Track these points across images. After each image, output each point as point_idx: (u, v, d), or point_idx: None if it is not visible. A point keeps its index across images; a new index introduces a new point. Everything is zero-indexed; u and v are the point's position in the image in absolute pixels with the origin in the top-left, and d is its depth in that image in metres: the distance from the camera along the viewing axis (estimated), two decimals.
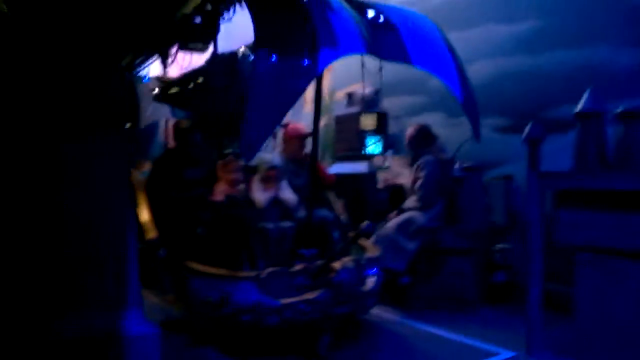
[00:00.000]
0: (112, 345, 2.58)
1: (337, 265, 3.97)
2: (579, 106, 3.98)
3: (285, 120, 6.38)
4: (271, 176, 5.01)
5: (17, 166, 2.27)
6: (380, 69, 4.42)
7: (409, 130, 5.58)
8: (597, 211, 3.77)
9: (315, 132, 4.45)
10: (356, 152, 6.72)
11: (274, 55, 3.31)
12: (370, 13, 3.88)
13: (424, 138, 5.49)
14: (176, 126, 5.55)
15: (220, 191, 5.05)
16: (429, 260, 5.24)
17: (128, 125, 2.83)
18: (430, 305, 5.18)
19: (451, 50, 4.12)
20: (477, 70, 5.26)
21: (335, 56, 3.38)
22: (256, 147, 3.31)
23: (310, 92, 7.62)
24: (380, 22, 3.85)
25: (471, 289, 5.17)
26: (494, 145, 5.65)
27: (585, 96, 3.98)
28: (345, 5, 3.74)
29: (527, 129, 4.06)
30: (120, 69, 2.82)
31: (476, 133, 4.17)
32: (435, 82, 6.62)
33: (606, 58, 5.06)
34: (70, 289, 2.34)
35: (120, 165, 2.39)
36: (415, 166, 5.41)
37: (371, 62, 5.52)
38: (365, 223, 3.94)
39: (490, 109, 5.52)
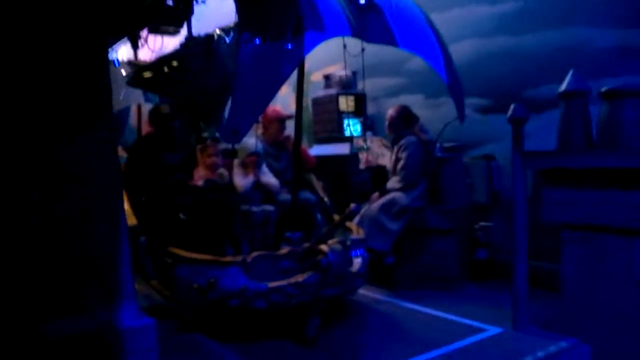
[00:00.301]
0: (109, 340, 2.52)
1: (324, 247, 3.93)
2: (563, 86, 4.01)
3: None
4: (252, 161, 4.96)
5: (6, 165, 2.18)
6: (362, 50, 4.37)
7: (390, 112, 5.56)
8: (582, 189, 3.82)
9: (298, 115, 4.41)
10: (335, 134, 6.69)
11: (257, 39, 3.25)
12: None
13: (405, 119, 5.48)
14: (155, 111, 5.42)
15: (200, 176, 4.98)
16: (412, 240, 5.26)
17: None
18: (415, 284, 5.22)
19: (435, 31, 4.10)
20: (458, 51, 5.22)
21: (321, 39, 3.33)
22: (242, 132, 3.26)
23: None
24: (365, 4, 3.80)
25: (454, 267, 5.22)
26: (474, 126, 5.67)
27: (568, 76, 4.01)
28: None
29: (510, 110, 4.08)
30: (101, 55, 2.71)
31: (461, 114, 4.18)
32: (413, 63, 6.66)
33: (586, 38, 5.10)
34: (64, 285, 2.27)
35: (108, 157, 2.31)
36: (397, 147, 5.39)
37: (350, 43, 5.51)
38: (352, 205, 3.91)
39: (471, 90, 5.53)
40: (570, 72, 4.01)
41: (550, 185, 4.04)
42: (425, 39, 3.99)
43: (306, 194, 5.12)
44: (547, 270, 4.52)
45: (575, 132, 3.96)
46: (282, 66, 3.26)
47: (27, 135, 2.17)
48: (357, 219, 5.21)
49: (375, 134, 6.75)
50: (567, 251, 3.96)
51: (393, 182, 5.35)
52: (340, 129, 6.72)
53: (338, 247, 3.98)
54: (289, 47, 3.24)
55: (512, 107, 4.06)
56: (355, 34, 3.54)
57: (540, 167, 4.13)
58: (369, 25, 3.70)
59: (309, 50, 3.23)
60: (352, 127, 6.67)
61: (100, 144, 2.29)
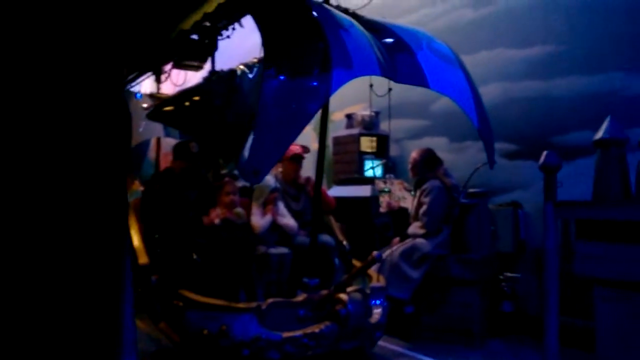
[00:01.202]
0: None
1: (343, 296, 3.73)
2: (599, 133, 3.83)
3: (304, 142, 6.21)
4: (271, 200, 4.80)
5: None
6: (389, 90, 4.24)
7: (414, 154, 5.40)
8: (618, 243, 3.60)
9: (320, 154, 4.25)
10: (356, 175, 6.54)
11: (282, 75, 3.12)
12: (384, 34, 3.71)
13: (429, 162, 5.31)
14: (184, 147, 5.26)
15: (217, 214, 4.82)
16: (433, 289, 5.03)
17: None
18: (435, 336, 4.96)
19: (466, 73, 3.95)
20: (485, 94, 5.06)
21: (350, 77, 3.18)
22: (263, 173, 3.09)
23: None
24: (393, 43, 3.67)
25: (478, 319, 4.95)
26: (500, 171, 5.47)
27: (605, 123, 3.83)
28: (358, 24, 3.57)
29: (542, 157, 3.88)
30: (118, 87, 2.56)
31: (491, 159, 3.99)
32: (437, 105, 6.52)
33: (620, 85, 4.93)
34: (55, 340, 2.04)
35: (118, 196, 2.13)
36: (419, 191, 5.22)
37: (376, 83, 5.39)
38: (375, 253, 3.73)
39: (498, 134, 5.35)
40: (608, 119, 3.83)
41: (584, 237, 3.82)
42: (456, 81, 3.85)
43: (325, 237, 4.93)
44: (580, 327, 4.25)
45: (612, 182, 3.76)
46: (307, 104, 3.12)
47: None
48: (376, 265, 5.00)
49: (397, 176, 6.58)
50: (601, 308, 3.72)
51: (415, 228, 5.15)
52: (361, 170, 6.57)
53: (358, 296, 3.79)
54: (315, 85, 3.10)
55: (544, 153, 3.86)
56: (384, 73, 3.39)
57: (573, 218, 3.91)
58: (399, 65, 3.57)
59: (336, 89, 3.08)
60: (373, 168, 6.52)
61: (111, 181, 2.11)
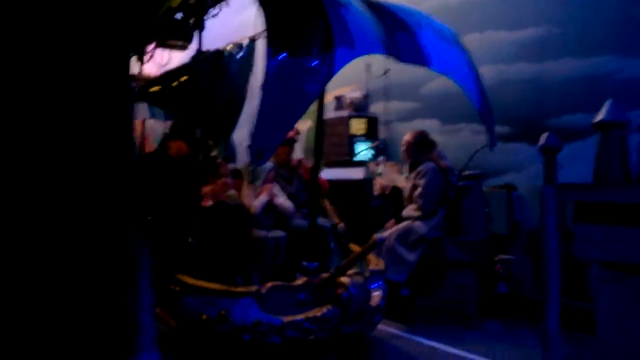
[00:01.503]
0: None
1: (345, 279, 3.68)
2: (600, 115, 3.81)
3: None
4: (270, 179, 4.72)
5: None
6: (386, 72, 4.17)
7: (407, 136, 5.35)
8: (619, 225, 3.61)
9: (318, 137, 4.18)
10: (346, 158, 6.47)
11: (285, 55, 3.03)
12: (382, 12, 3.62)
13: (423, 144, 5.27)
14: (186, 130, 5.10)
15: (209, 196, 4.74)
16: (429, 272, 5.01)
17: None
18: (432, 318, 4.96)
19: (466, 54, 3.90)
20: None
21: (353, 56, 3.11)
22: (267, 154, 3.01)
23: None
24: (395, 22, 3.59)
25: (473, 301, 4.96)
26: (494, 154, 5.47)
27: (606, 105, 3.80)
28: (360, 3, 3.49)
29: (542, 138, 3.85)
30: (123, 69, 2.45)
31: (492, 140, 3.96)
32: (428, 87, 6.48)
33: (615, 68, 4.93)
34: (74, 336, 1.95)
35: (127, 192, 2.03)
36: (414, 173, 5.18)
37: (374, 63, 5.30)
38: (376, 236, 3.68)
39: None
40: (609, 101, 3.81)
41: (584, 219, 3.82)
42: (457, 61, 3.79)
43: (321, 220, 4.88)
44: (580, 309, 4.28)
45: (612, 164, 3.74)
46: (311, 84, 3.03)
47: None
48: None
49: (387, 159, 6.53)
50: (601, 291, 3.72)
51: (410, 210, 5.12)
52: (352, 152, 6.50)
53: (359, 279, 3.74)
54: (318, 64, 3.02)
55: (544, 135, 3.82)
56: (389, 52, 3.31)
57: (573, 200, 3.90)
58: (400, 44, 3.48)
59: (339, 68, 3.00)
60: (364, 151, 6.46)
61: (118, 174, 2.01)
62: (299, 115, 3.09)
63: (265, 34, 3.29)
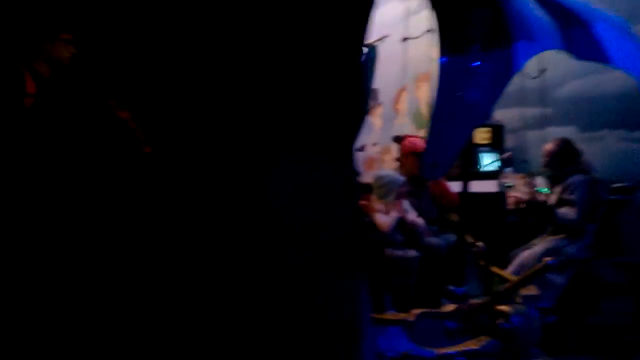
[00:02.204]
0: None
1: (505, 308, 3.26)
2: None
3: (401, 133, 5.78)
4: (403, 194, 4.38)
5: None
6: (542, 72, 3.74)
7: (549, 146, 4.88)
8: None
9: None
10: (469, 170, 6.00)
11: (459, 57, 2.67)
12: (552, 3, 3.20)
13: (569, 154, 4.78)
14: None
15: None
16: (579, 297, 4.49)
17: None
18: (582, 350, 4.42)
19: None
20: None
21: (534, 52, 2.72)
22: (444, 166, 2.65)
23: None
24: (567, 14, 3.17)
25: (634, 331, 4.39)
26: None
27: None
28: None
29: None
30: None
31: None
32: (561, 91, 5.93)
33: None
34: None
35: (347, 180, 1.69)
36: (561, 187, 4.69)
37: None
38: (547, 259, 3.24)
39: None
40: None
41: None
42: (636, 55, 3.31)
43: (453, 238, 4.50)
44: None
45: None
46: (488, 87, 2.65)
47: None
48: (512, 268, 4.51)
49: (515, 170, 6.02)
50: None
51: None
52: (475, 163, 6.04)
53: (523, 308, 3.31)
54: (496, 64, 2.64)
55: None
56: (567, 47, 2.90)
57: None
58: (576, 40, 3.06)
59: (521, 65, 2.62)
60: (489, 162, 5.99)
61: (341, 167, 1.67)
62: (479, 120, 2.77)
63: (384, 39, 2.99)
